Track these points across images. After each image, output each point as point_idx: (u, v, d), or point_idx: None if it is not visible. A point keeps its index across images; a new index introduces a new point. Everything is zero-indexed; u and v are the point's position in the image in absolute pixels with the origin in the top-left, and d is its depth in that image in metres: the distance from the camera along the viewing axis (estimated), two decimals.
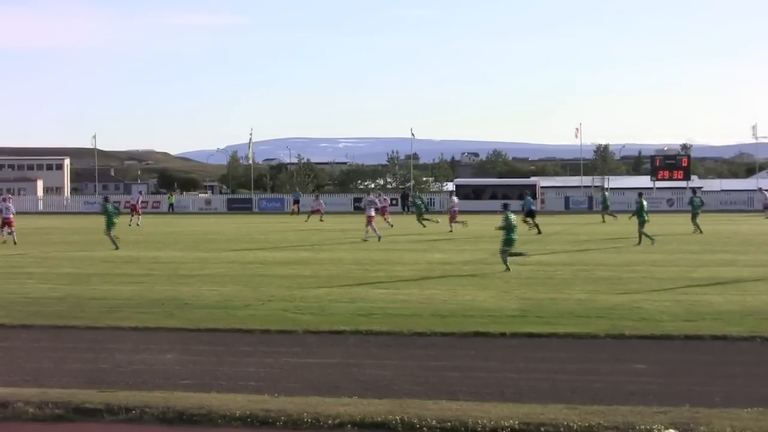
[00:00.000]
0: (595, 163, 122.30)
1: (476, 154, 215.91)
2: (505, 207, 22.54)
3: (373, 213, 35.04)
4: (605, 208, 47.70)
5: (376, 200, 37.44)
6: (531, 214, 37.90)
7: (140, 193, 71.33)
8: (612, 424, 7.87)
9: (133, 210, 49.50)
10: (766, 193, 57.13)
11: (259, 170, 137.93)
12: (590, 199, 73.45)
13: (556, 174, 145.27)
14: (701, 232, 35.12)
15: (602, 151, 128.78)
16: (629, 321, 13.55)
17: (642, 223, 29.62)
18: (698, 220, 36.18)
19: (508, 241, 21.80)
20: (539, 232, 35.49)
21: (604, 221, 45.42)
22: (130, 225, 45.76)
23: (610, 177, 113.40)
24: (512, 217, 22.09)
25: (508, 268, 21.25)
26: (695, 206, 36.93)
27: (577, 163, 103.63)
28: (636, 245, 28.88)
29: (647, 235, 29.18)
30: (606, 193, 51.98)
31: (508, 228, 21.79)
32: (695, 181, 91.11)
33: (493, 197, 72.11)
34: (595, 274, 20.39)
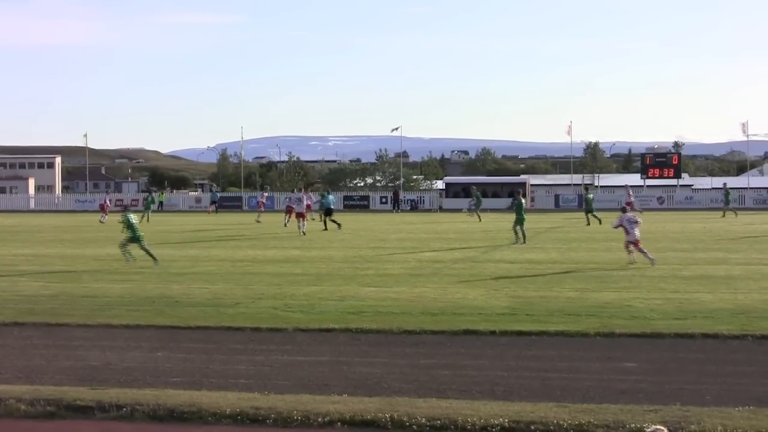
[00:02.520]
0: (585, 161, 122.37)
1: (466, 152, 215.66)
2: (125, 208, 25.02)
3: (303, 210, 36.52)
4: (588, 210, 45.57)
5: (304, 198, 38.36)
6: (329, 212, 39.34)
7: (107, 192, 73.71)
8: (602, 423, 7.90)
9: (102, 208, 53.34)
10: (630, 190, 57.92)
11: (249, 168, 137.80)
12: (580, 197, 73.61)
13: (547, 172, 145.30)
14: (589, 224, 39.30)
15: (592, 149, 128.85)
16: (619, 319, 13.59)
17: (520, 221, 29.65)
18: (594, 214, 40.33)
19: (131, 239, 23.45)
20: (325, 229, 37.59)
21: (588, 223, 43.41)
22: (101, 222, 49.07)
23: (600, 175, 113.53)
24: (131, 216, 23.70)
25: (128, 259, 23.19)
26: (588, 201, 41.38)
27: (567, 162, 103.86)
28: (514, 243, 29.14)
29: (523, 234, 29.39)
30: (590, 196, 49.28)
31: (131, 227, 23.47)
32: (686, 179, 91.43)
33: (483, 195, 72.24)
34: (586, 273, 20.45)
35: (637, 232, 22.30)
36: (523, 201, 30.58)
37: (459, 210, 58.13)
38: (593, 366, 10.64)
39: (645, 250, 22.18)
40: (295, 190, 42.23)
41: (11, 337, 12.83)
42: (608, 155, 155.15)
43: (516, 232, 29.78)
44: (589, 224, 39.71)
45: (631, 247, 22.49)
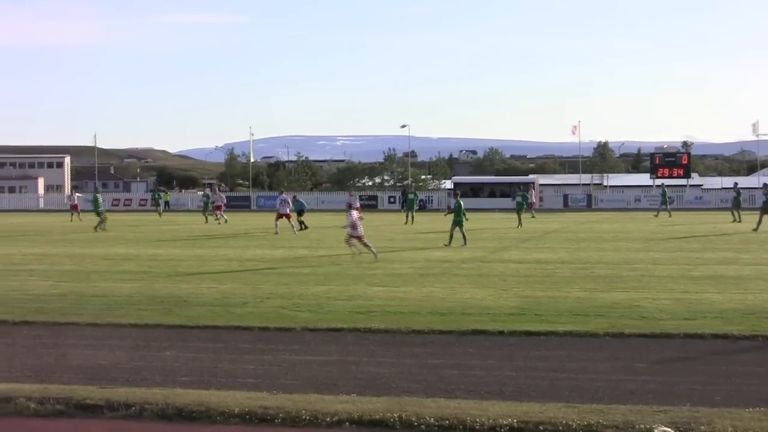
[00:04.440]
0: (594, 161, 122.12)
1: (474, 152, 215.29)
2: None
3: (287, 210, 37.79)
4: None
5: (288, 199, 38.95)
6: (301, 212, 39.95)
7: (74, 191, 74.88)
8: (611, 423, 7.86)
9: (73, 208, 55.28)
10: (533, 190, 59.32)
11: (257, 168, 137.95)
12: (589, 197, 73.50)
13: (555, 172, 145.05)
14: (521, 226, 40.71)
15: (601, 149, 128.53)
16: (629, 319, 13.54)
17: (458, 222, 29.05)
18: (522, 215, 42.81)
19: None
20: (304, 228, 38.22)
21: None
22: (71, 221, 50.94)
23: (610, 175, 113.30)
24: None
25: None
26: (521, 201, 43.58)
27: (576, 161, 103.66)
28: (446, 245, 28.45)
29: (463, 235, 28.70)
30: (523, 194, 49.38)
31: None
32: (695, 179, 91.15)
33: (492, 195, 72.23)
34: (594, 273, 20.38)
35: (360, 228, 24.56)
36: (462, 203, 29.93)
37: (468, 210, 57.74)
38: (602, 366, 10.60)
39: (369, 244, 24.53)
40: (284, 193, 41.76)
41: (21, 335, 12.86)
42: (617, 155, 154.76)
43: (452, 234, 29.06)
44: (520, 225, 40.81)
45: (354, 241, 24.65)
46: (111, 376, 10.10)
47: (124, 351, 11.66)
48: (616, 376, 10.06)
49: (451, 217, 29.85)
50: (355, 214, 25.14)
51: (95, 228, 40.40)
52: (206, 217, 50.20)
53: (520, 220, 41.86)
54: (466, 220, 29.59)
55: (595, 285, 18.01)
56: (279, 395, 8.95)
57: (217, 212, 48.67)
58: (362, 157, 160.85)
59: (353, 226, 24.64)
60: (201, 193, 58.24)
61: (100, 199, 44.18)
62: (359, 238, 24.59)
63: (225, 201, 51.75)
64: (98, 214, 41.95)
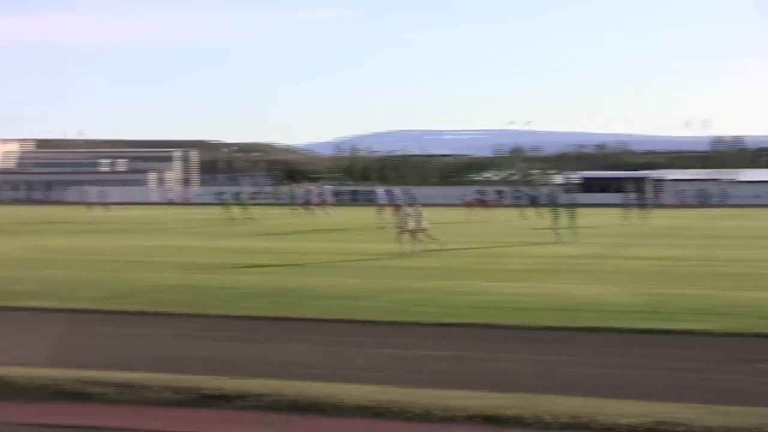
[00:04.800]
0: (725, 155, 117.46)
1: (600, 146, 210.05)
2: None
3: (391, 203, 39.53)
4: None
5: (390, 193, 40.34)
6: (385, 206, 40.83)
7: (181, 186, 77.87)
8: (748, 426, 7.61)
9: (172, 200, 61.55)
10: (315, 190, 58.38)
11: (368, 162, 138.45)
12: (717, 193, 71.02)
13: (685, 167, 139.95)
14: (631, 222, 40.46)
15: (735, 144, 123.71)
16: (759, 319, 13.01)
17: (556, 218, 29.88)
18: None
19: None
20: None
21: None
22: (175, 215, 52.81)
23: (742, 170, 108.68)
24: None
25: None
26: (633, 198, 45.10)
27: (705, 156, 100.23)
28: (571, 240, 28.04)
29: (559, 232, 28.99)
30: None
31: None
32: None
33: (620, 191, 70.21)
34: (719, 270, 19.77)
35: (411, 223, 24.61)
36: (563, 199, 31.08)
37: (598, 206, 56.24)
38: (739, 367, 10.28)
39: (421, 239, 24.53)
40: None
41: (152, 326, 13.32)
42: (752, 149, 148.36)
43: (556, 231, 29.38)
44: (629, 221, 40.67)
45: (408, 236, 24.38)
46: (238, 368, 10.23)
47: (251, 343, 11.91)
48: (753, 378, 9.73)
49: (557, 214, 30.47)
50: (407, 209, 25.51)
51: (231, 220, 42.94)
52: (300, 210, 51.53)
53: (631, 216, 42.04)
54: (558, 217, 29.98)
55: (731, 283, 17.42)
56: (408, 389, 8.96)
57: (312, 207, 50.22)
58: (473, 151, 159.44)
59: (403, 220, 24.97)
60: (300, 187, 60.26)
61: (241, 196, 49.31)
62: (412, 231, 24.64)
63: (322, 196, 53.08)
64: (243, 208, 45.75)
